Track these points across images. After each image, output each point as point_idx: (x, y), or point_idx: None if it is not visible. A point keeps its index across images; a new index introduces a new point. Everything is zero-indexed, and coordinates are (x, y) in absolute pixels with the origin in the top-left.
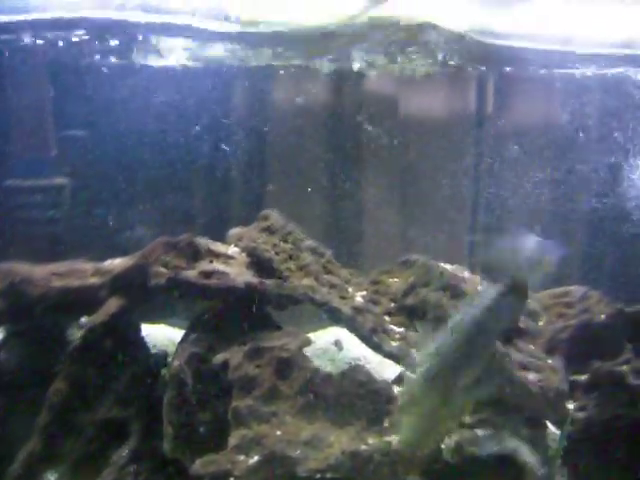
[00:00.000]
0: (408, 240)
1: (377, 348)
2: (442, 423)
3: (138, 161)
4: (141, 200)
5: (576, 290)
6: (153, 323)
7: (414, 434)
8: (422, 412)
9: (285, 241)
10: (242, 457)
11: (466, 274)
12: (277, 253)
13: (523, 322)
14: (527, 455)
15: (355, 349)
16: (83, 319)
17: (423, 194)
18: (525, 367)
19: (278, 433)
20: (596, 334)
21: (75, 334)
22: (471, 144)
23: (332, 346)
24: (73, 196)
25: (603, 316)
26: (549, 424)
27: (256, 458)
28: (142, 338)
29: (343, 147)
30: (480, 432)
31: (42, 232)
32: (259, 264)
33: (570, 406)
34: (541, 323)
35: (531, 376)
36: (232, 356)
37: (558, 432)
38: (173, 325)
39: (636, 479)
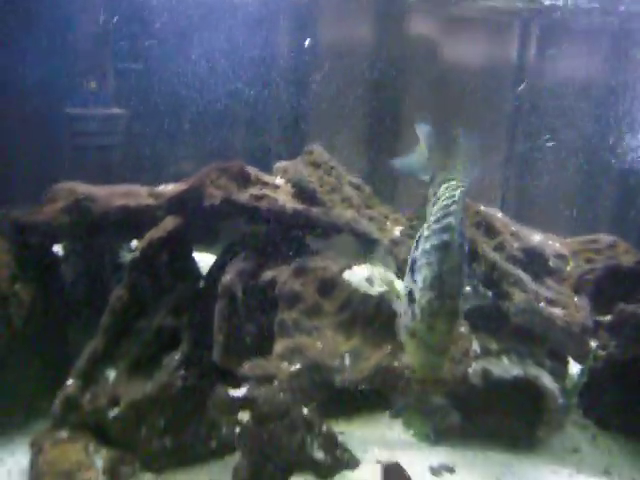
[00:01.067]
0: None
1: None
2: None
3: (194, 97)
4: (189, 133)
5: (604, 238)
6: (198, 251)
7: (426, 357)
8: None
9: (329, 175)
10: (285, 364)
11: (499, 214)
12: (321, 185)
13: (552, 262)
14: (548, 382)
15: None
16: (133, 243)
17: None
18: (552, 302)
19: (319, 345)
20: (621, 278)
21: (125, 256)
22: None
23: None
24: (128, 127)
25: (629, 262)
26: (571, 359)
27: (298, 366)
28: (193, 256)
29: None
30: (505, 359)
31: (98, 157)
32: (303, 194)
33: (593, 344)
34: (569, 267)
35: (557, 311)
36: (279, 274)
37: (579, 367)
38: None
39: None
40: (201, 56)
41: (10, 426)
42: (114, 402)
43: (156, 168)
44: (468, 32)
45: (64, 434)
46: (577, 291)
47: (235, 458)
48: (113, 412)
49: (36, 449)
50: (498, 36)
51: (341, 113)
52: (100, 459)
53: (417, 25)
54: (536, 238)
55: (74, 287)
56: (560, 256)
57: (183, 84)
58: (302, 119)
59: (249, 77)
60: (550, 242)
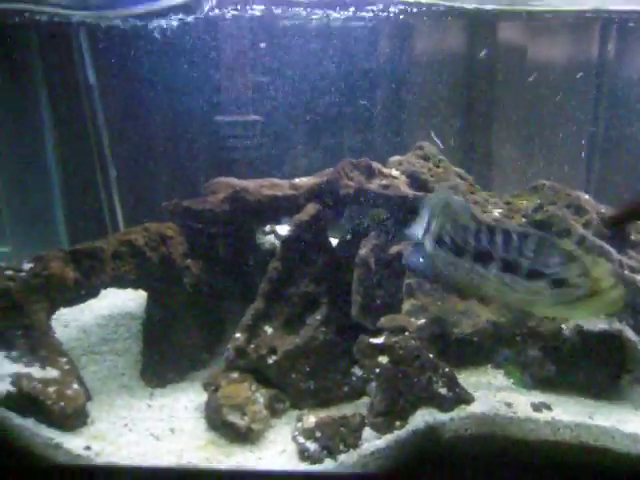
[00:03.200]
0: (533, 171)
1: None
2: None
3: (309, 104)
4: (309, 136)
5: None
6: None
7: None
8: None
9: (437, 166)
10: (413, 319)
11: (586, 196)
12: (431, 175)
13: (634, 236)
14: (631, 335)
15: None
16: (268, 227)
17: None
18: (634, 269)
19: (439, 304)
20: None
21: (261, 239)
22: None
23: None
24: (262, 130)
25: None
26: None
27: (423, 320)
28: (327, 235)
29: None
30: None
31: (239, 156)
32: (417, 183)
33: None
34: None
35: (639, 277)
36: (404, 248)
37: None
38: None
39: None
40: (317, 69)
41: (179, 373)
42: (272, 351)
43: (282, 163)
44: (553, 35)
45: (235, 375)
46: None
47: (362, 401)
48: (271, 359)
49: (214, 387)
50: (580, 38)
51: (439, 114)
52: (261, 396)
53: (506, 31)
54: None
55: (226, 262)
56: None
57: (304, 93)
58: (403, 119)
59: (357, 85)
60: None
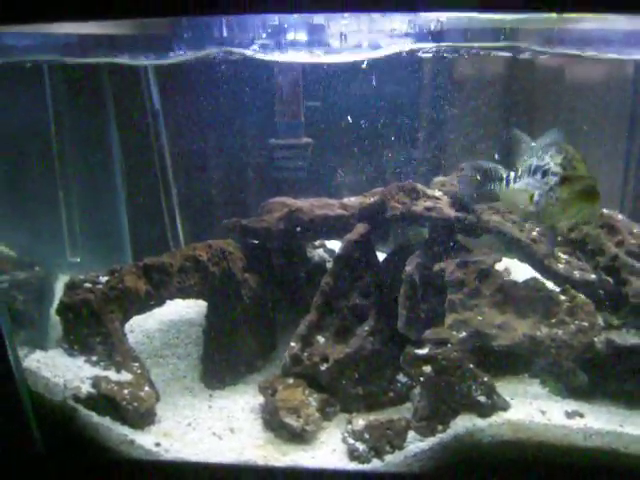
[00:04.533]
0: None
1: (546, 269)
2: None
3: (355, 127)
4: (355, 157)
5: None
6: None
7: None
8: None
9: None
10: (455, 332)
11: (620, 216)
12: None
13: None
14: None
15: (520, 273)
16: (317, 242)
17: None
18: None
19: (479, 319)
20: None
21: (310, 252)
22: None
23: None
24: (313, 152)
25: None
26: None
27: (464, 333)
28: (375, 252)
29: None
30: (624, 332)
31: (292, 177)
32: (458, 204)
33: None
34: None
35: None
36: (447, 266)
37: None
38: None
39: None
40: (364, 95)
41: (236, 378)
42: (324, 359)
43: (329, 182)
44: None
45: (290, 380)
46: None
47: (405, 407)
48: (323, 366)
49: (271, 390)
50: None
51: (481, 133)
52: (314, 401)
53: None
54: None
55: (279, 276)
56: None
57: (349, 116)
58: (446, 141)
59: (401, 111)
60: None
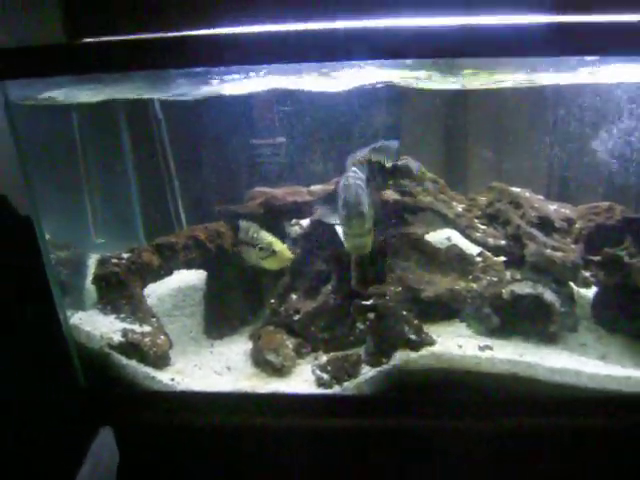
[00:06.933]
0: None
1: (468, 237)
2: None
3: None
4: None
5: (605, 204)
6: None
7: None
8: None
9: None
10: (392, 287)
11: (527, 194)
12: None
13: (558, 223)
14: (550, 296)
15: (458, 241)
16: (294, 221)
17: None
18: (554, 248)
19: (411, 277)
20: (607, 232)
21: (288, 229)
22: None
23: (445, 239)
24: (286, 149)
25: (612, 221)
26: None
27: (400, 288)
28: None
29: None
30: (523, 283)
31: (269, 170)
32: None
33: (586, 274)
34: (577, 226)
35: (557, 254)
36: (388, 237)
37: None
38: None
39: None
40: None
41: (232, 330)
42: (297, 311)
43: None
44: None
45: (271, 328)
46: (576, 242)
47: (362, 348)
48: (296, 317)
49: (256, 336)
50: None
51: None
52: (290, 343)
53: None
54: (551, 208)
55: None
56: (567, 219)
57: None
58: None
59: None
60: (562, 210)
